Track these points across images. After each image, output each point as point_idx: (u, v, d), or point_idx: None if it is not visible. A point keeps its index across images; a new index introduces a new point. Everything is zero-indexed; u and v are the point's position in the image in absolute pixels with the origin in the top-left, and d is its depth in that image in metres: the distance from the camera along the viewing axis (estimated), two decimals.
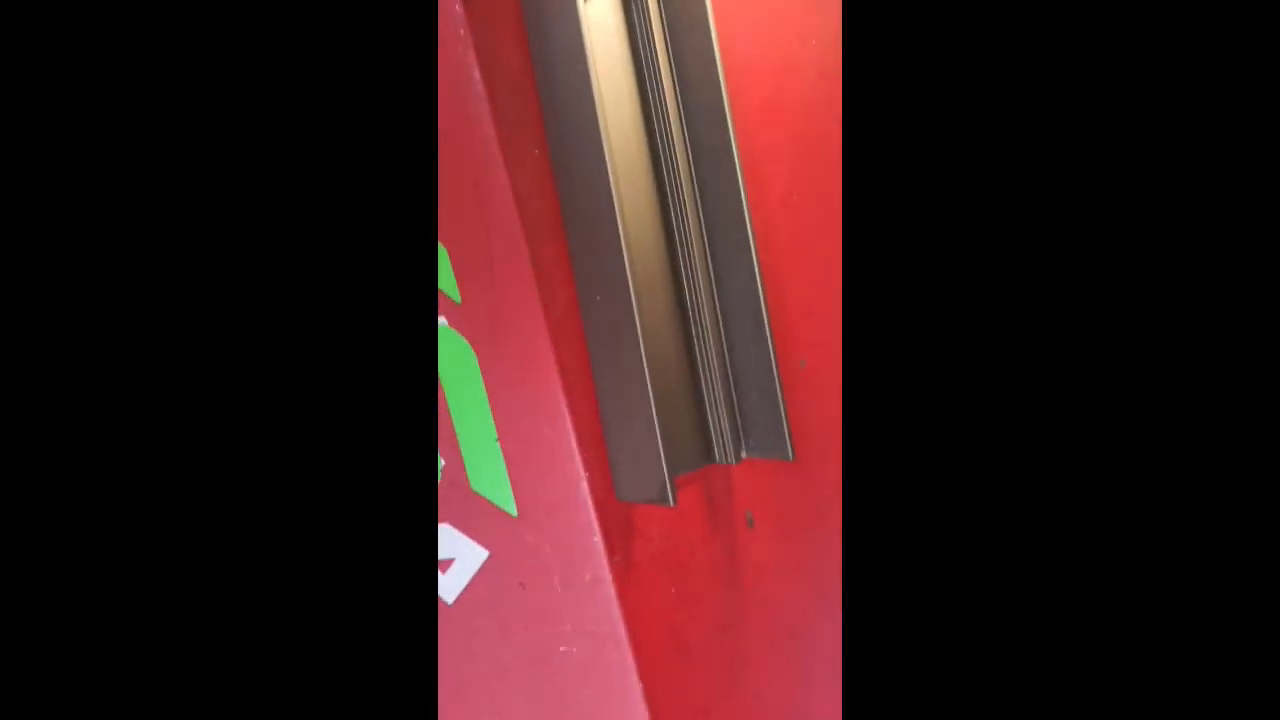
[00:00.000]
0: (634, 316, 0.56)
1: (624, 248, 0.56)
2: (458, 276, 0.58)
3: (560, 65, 0.58)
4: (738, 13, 0.68)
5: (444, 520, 0.60)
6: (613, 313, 0.58)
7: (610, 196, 0.56)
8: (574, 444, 0.58)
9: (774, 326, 0.64)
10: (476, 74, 0.57)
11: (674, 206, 0.63)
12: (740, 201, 0.63)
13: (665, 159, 0.63)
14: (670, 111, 0.63)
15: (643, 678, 0.58)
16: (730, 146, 0.62)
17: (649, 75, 0.63)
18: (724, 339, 0.65)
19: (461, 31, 0.56)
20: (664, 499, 0.55)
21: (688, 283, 0.63)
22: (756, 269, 0.63)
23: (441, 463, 0.60)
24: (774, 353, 0.63)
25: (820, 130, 0.74)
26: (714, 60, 0.62)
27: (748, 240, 0.62)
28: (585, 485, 0.58)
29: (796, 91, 0.73)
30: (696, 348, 0.63)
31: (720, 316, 0.65)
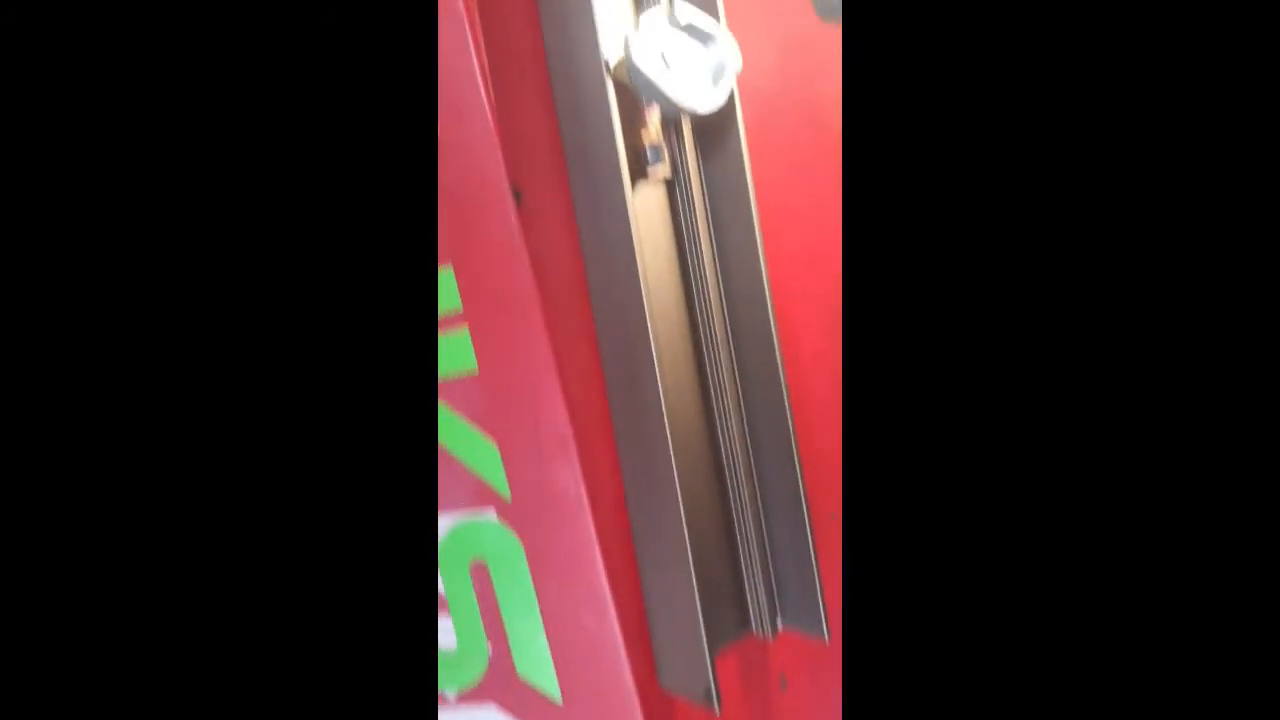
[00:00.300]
0: (679, 514, 0.58)
1: (670, 449, 0.58)
2: (508, 473, 0.60)
3: (610, 263, 0.59)
4: (779, 203, 0.69)
5: (489, 700, 0.62)
6: (659, 507, 0.59)
7: (658, 399, 0.58)
8: (618, 636, 0.59)
9: (807, 484, 0.65)
10: (530, 276, 0.58)
11: (716, 395, 0.64)
12: (777, 370, 0.64)
13: (709, 347, 0.64)
14: (713, 304, 0.64)
15: None
16: (769, 325, 0.64)
17: (694, 268, 0.64)
18: (762, 515, 0.67)
19: (517, 240, 0.57)
20: (709, 702, 0.57)
21: (729, 469, 0.64)
22: (794, 452, 0.64)
23: (489, 648, 0.61)
24: (810, 531, 0.65)
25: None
26: (757, 253, 0.63)
27: (785, 415, 0.64)
28: (629, 675, 0.59)
29: (829, 269, 0.75)
30: (736, 527, 0.65)
31: (759, 487, 0.67)
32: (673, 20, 0.58)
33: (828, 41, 0.80)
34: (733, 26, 0.64)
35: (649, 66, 0.55)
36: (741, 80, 0.62)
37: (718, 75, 0.59)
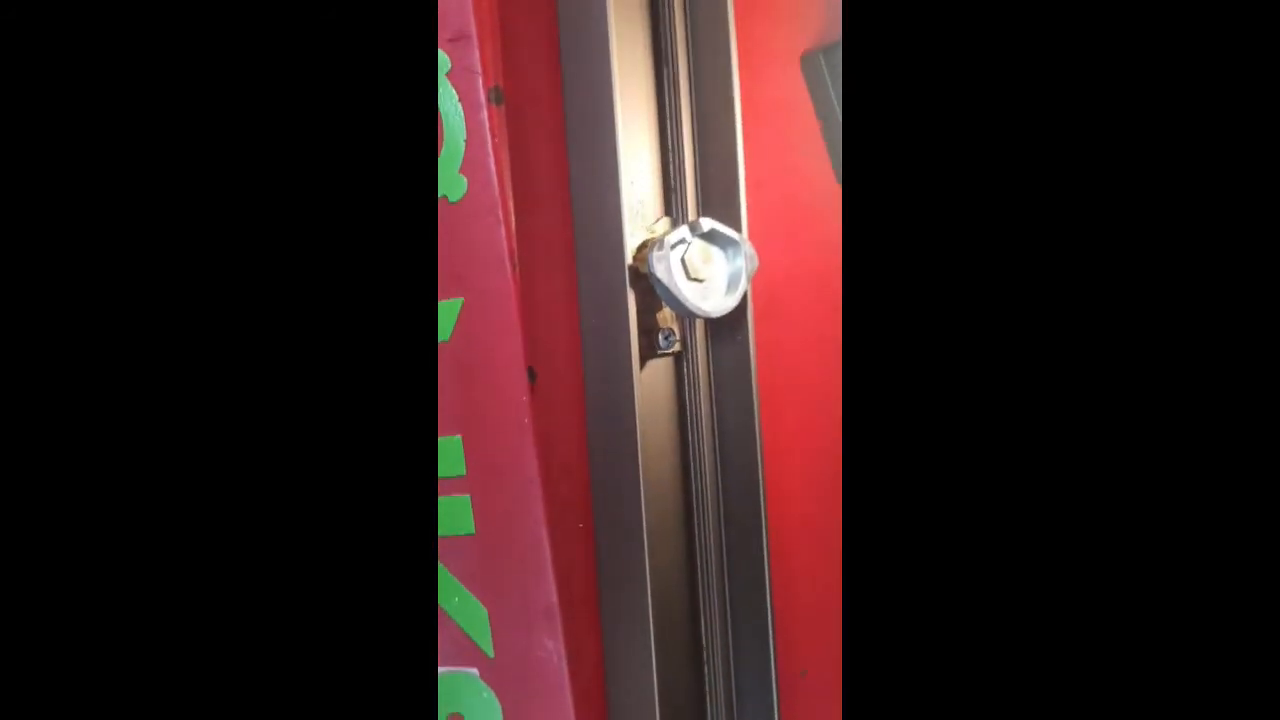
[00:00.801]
0: (654, 693, 0.61)
1: (650, 630, 0.60)
2: (494, 635, 0.62)
3: (611, 443, 0.62)
4: (781, 392, 0.72)
5: None
6: (636, 686, 0.62)
7: (644, 579, 0.60)
8: None
9: (779, 644, 0.68)
10: (534, 454, 0.60)
11: (703, 574, 0.67)
12: (762, 544, 0.67)
13: (700, 525, 0.67)
14: (708, 484, 0.67)
15: None
16: (759, 502, 0.67)
17: (694, 444, 0.67)
18: (734, 690, 0.69)
19: (526, 420, 0.60)
20: None
21: (707, 648, 0.67)
22: (770, 626, 0.67)
23: None
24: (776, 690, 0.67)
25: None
26: (755, 436, 0.66)
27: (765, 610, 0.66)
28: None
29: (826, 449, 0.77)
30: (708, 703, 0.67)
31: (733, 663, 0.69)
32: (695, 228, 0.60)
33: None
34: (751, 193, 0.67)
35: (668, 279, 0.58)
36: (757, 245, 0.65)
37: (734, 282, 0.62)
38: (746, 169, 0.67)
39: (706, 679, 0.68)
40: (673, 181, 0.68)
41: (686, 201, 0.68)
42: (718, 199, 0.68)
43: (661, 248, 0.58)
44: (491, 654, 0.62)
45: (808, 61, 0.80)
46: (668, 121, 0.68)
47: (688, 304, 0.59)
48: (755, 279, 0.66)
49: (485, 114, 0.57)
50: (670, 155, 0.68)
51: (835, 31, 0.81)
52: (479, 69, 0.56)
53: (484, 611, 0.62)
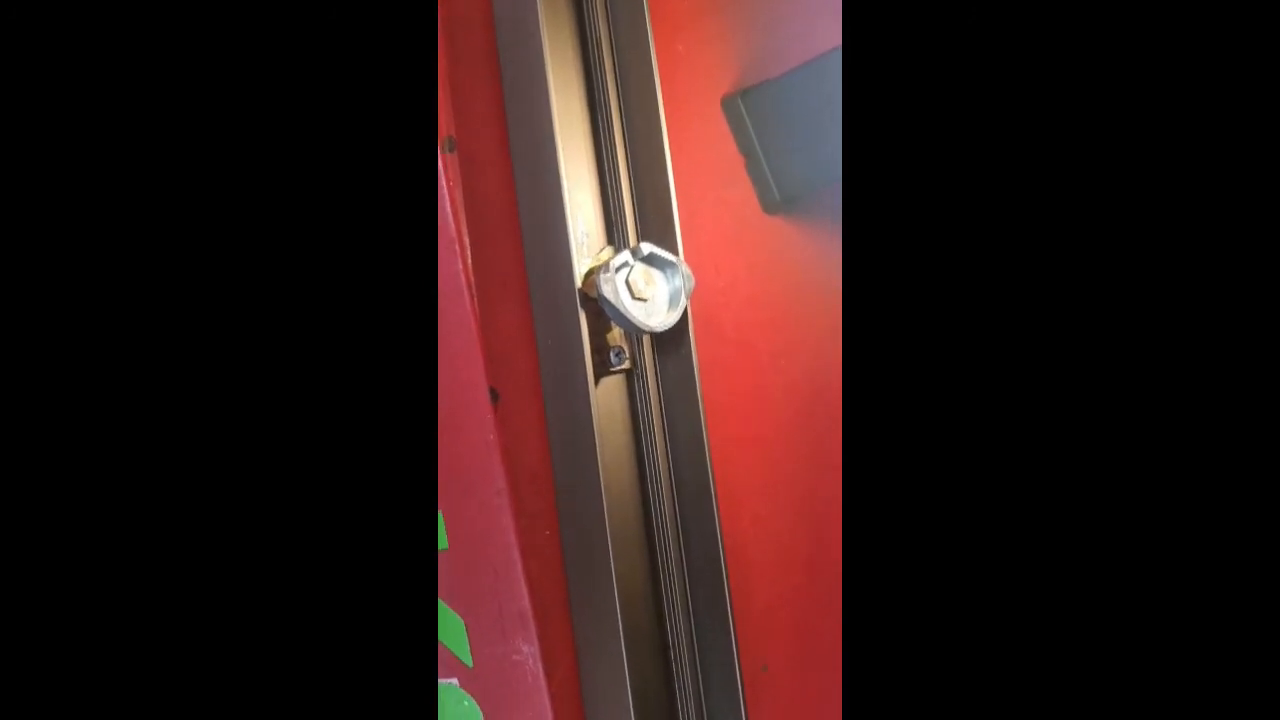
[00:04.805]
0: (626, 687, 0.65)
1: (620, 626, 0.65)
2: (471, 644, 0.65)
3: (572, 453, 0.67)
4: (724, 393, 0.78)
5: None
6: (609, 681, 0.66)
7: (610, 581, 0.65)
8: None
9: (740, 639, 0.73)
10: (501, 468, 0.65)
11: (664, 572, 0.72)
12: (717, 542, 0.72)
13: (659, 525, 0.72)
14: (664, 485, 0.72)
15: None
16: (712, 504, 0.72)
17: (648, 451, 0.72)
18: (699, 674, 0.73)
19: (491, 437, 0.65)
20: None
21: (673, 641, 0.71)
22: (729, 616, 0.71)
23: None
24: (741, 684, 0.72)
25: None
26: (702, 439, 0.72)
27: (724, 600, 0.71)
28: None
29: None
30: (676, 688, 0.72)
31: (698, 649, 0.74)
32: (636, 253, 0.67)
33: (772, 234, 0.91)
34: (685, 222, 0.73)
35: (615, 299, 0.64)
36: (694, 273, 0.72)
37: (674, 299, 0.68)
38: (679, 202, 0.74)
39: (675, 674, 0.72)
40: (613, 215, 0.75)
41: (627, 231, 0.74)
42: (655, 227, 0.74)
43: (607, 270, 0.64)
44: (470, 663, 0.66)
45: (727, 104, 0.88)
46: (605, 161, 0.75)
47: (635, 321, 0.65)
48: (693, 301, 0.72)
49: (440, 160, 0.63)
50: (609, 191, 0.75)
51: (751, 77, 0.90)
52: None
53: (461, 623, 0.66)
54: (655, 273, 0.68)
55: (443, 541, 0.66)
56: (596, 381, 0.69)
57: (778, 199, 0.91)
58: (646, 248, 0.67)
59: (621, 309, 0.64)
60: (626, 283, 0.66)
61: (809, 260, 0.88)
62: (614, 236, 0.75)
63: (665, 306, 0.68)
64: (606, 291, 0.64)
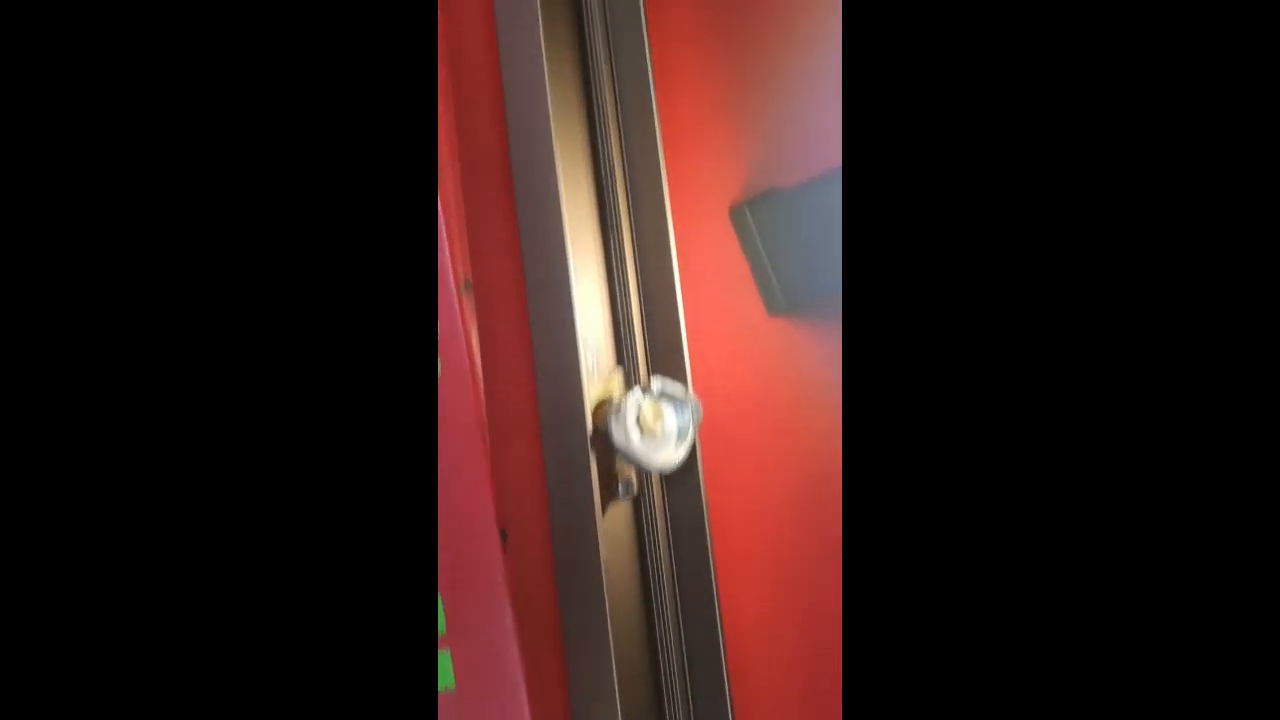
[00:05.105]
0: None
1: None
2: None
3: (580, 591, 0.67)
4: (733, 504, 0.79)
5: None
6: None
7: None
8: None
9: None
10: (509, 611, 0.65)
11: (669, 705, 0.72)
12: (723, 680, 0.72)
13: (663, 654, 0.72)
14: (669, 616, 0.72)
15: None
16: (716, 624, 0.72)
17: (654, 578, 0.72)
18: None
19: (500, 579, 0.64)
20: None
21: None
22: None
23: None
24: None
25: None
26: (709, 562, 0.72)
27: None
28: None
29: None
30: None
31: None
32: (647, 389, 0.67)
33: (776, 337, 0.92)
34: (691, 329, 0.74)
35: (625, 444, 0.64)
36: (701, 377, 0.72)
37: (683, 433, 0.68)
38: (687, 309, 0.74)
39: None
40: (623, 334, 0.75)
41: (637, 356, 0.75)
42: (664, 352, 0.75)
43: (619, 413, 0.65)
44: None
45: (735, 213, 0.89)
46: (615, 283, 0.75)
47: (643, 462, 0.65)
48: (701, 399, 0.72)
49: (456, 302, 0.63)
50: (619, 310, 0.75)
51: (755, 187, 0.91)
52: (450, 265, 0.62)
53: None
54: (665, 407, 0.68)
55: (450, 680, 0.66)
56: (604, 511, 0.69)
57: (782, 304, 0.92)
58: (657, 384, 0.68)
59: (631, 454, 0.64)
60: (636, 421, 0.66)
61: (812, 363, 0.88)
62: (623, 356, 0.75)
63: (673, 441, 0.68)
64: (617, 435, 0.64)
